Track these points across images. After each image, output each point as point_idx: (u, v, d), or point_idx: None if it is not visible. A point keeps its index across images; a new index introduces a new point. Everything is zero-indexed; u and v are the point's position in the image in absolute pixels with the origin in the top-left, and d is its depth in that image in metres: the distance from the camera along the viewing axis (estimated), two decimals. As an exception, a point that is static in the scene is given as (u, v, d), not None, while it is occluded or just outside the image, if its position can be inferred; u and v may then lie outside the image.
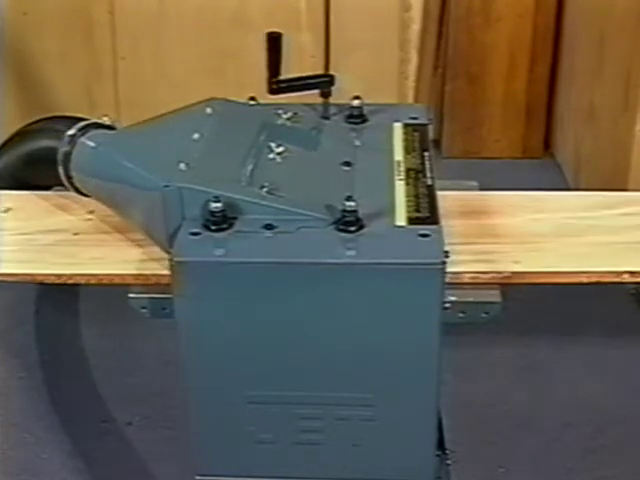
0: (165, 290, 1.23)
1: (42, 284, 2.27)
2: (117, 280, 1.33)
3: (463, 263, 1.29)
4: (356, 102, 1.48)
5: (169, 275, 1.19)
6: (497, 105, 3.09)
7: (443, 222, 1.22)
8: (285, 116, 1.45)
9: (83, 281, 1.37)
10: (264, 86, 1.40)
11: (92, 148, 1.43)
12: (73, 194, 1.48)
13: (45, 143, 1.52)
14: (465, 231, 1.39)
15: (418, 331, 1.19)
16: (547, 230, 1.41)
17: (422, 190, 1.30)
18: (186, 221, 1.23)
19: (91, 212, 1.48)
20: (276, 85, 1.39)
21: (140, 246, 1.37)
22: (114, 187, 1.38)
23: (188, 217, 1.23)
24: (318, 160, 1.37)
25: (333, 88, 1.45)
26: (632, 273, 1.32)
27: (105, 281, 1.34)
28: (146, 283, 1.31)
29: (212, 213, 1.20)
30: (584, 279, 1.32)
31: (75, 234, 1.44)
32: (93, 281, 1.35)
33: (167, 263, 1.19)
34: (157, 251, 1.31)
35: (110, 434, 1.98)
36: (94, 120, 1.49)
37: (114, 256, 1.37)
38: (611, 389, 2.08)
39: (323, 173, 1.33)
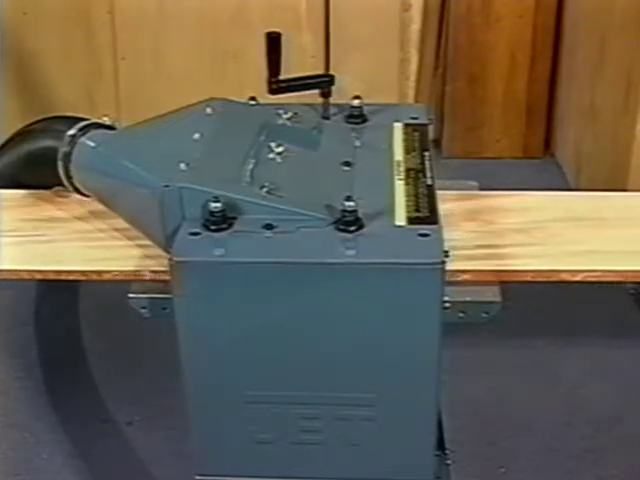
0: (165, 290, 1.23)
1: (41, 284, 2.28)
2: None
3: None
4: (356, 102, 1.48)
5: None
6: (497, 105, 3.09)
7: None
8: (285, 116, 1.45)
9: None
10: (264, 86, 1.40)
11: (92, 148, 1.43)
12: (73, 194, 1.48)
13: (45, 143, 1.52)
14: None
15: (418, 331, 1.19)
16: None
17: (422, 190, 1.29)
18: (186, 221, 1.23)
19: None
20: (276, 85, 1.39)
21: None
22: (114, 187, 1.38)
23: (188, 217, 1.23)
24: (318, 160, 1.37)
25: (333, 88, 1.45)
26: None
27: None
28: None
29: (212, 213, 1.20)
30: None
31: None
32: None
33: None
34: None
35: (110, 434, 1.98)
36: (94, 120, 1.49)
37: None
38: (611, 389, 2.08)
39: (323, 173, 1.33)
